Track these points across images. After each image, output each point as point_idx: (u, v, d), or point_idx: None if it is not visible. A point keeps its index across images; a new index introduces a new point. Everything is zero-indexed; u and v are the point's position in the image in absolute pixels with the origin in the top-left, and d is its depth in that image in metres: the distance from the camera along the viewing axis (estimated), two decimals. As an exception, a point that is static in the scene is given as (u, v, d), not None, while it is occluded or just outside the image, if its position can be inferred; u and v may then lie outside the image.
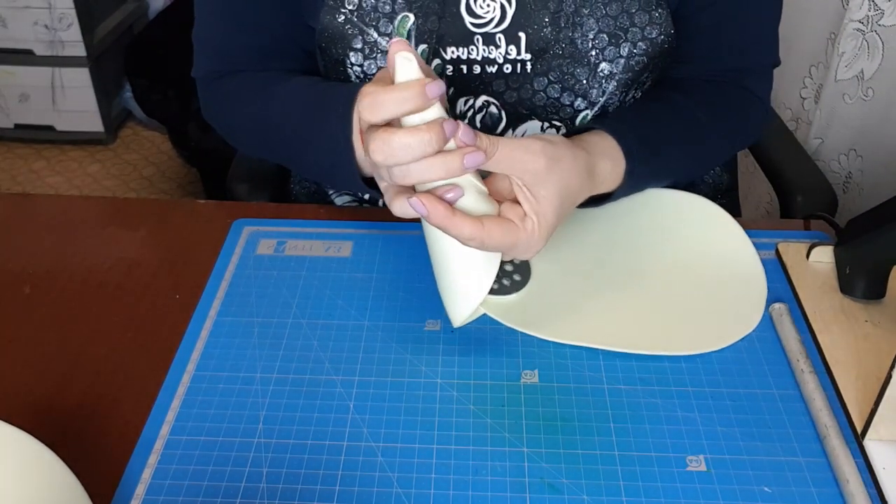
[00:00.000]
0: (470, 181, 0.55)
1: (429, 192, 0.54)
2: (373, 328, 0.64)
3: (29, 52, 2.10)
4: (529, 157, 0.55)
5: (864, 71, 1.11)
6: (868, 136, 1.13)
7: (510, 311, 0.62)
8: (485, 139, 0.53)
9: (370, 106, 0.51)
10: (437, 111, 0.52)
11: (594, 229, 0.70)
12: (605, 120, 0.67)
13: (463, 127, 0.52)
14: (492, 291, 0.62)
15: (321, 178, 0.75)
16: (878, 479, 0.52)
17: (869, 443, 0.54)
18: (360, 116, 0.53)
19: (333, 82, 0.69)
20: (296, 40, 0.73)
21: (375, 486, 0.52)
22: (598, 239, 0.70)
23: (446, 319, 0.61)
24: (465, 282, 0.58)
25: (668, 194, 0.73)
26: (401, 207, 0.54)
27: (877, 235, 0.62)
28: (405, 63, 0.52)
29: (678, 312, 0.64)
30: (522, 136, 0.72)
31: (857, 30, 1.09)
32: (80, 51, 2.08)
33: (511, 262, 0.67)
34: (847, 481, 0.51)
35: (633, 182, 0.64)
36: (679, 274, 0.67)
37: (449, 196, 0.54)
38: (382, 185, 0.58)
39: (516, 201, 0.57)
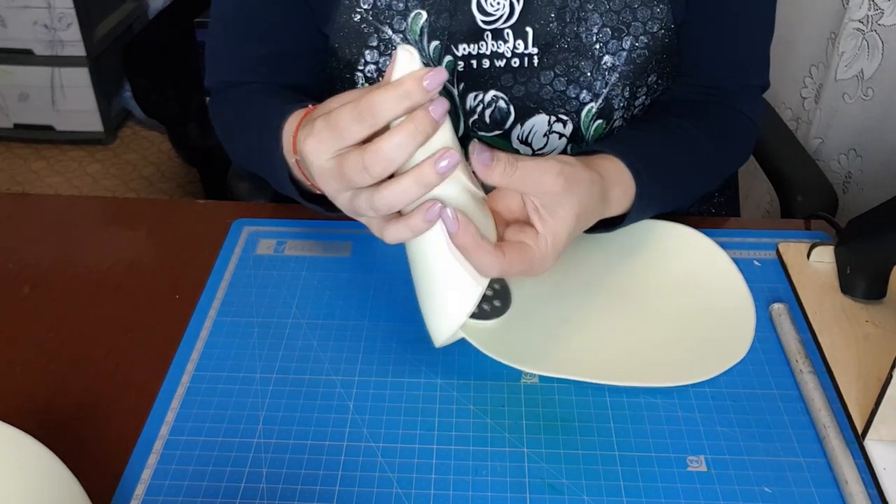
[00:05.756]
0: (464, 184, 0.53)
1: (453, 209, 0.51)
2: (373, 328, 0.64)
3: (28, 52, 2.10)
4: (548, 177, 0.53)
5: (864, 70, 1.11)
6: (868, 135, 1.13)
7: (490, 338, 0.60)
8: (503, 159, 0.51)
9: (358, 114, 0.48)
10: (443, 136, 0.49)
11: (573, 256, 0.67)
12: (612, 144, 0.65)
13: (479, 146, 0.50)
14: (472, 315, 0.59)
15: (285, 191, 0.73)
16: (879, 479, 0.52)
17: (869, 443, 0.54)
18: (346, 133, 0.49)
19: (286, 102, 0.67)
20: (305, 49, 0.74)
21: (375, 486, 0.52)
22: (577, 265, 0.67)
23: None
24: (449, 298, 0.55)
25: (651, 222, 0.70)
26: (393, 232, 0.52)
27: (877, 236, 0.62)
28: (406, 56, 0.48)
29: (661, 343, 0.61)
30: (530, 130, 0.73)
31: (857, 29, 1.09)
32: (79, 50, 2.08)
33: (492, 287, 0.64)
34: (847, 482, 0.51)
35: (642, 208, 0.64)
36: (663, 303, 0.65)
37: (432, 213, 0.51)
38: (365, 221, 0.55)
39: (525, 223, 0.55)
